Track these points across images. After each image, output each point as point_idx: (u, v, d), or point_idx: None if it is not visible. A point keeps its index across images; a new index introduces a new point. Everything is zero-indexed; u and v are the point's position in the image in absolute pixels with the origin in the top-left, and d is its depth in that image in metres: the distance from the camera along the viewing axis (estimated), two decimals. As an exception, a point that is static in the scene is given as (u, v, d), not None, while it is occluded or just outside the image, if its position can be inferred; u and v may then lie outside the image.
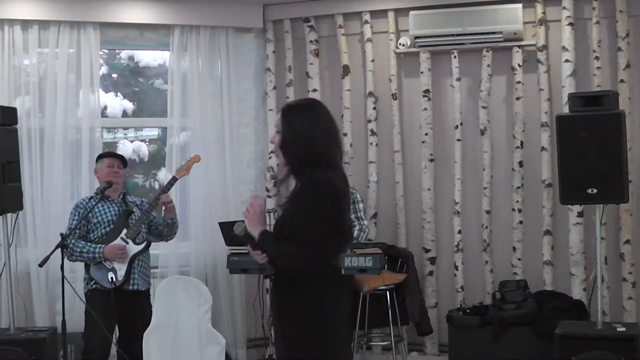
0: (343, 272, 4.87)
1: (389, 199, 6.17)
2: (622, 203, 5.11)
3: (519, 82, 5.81)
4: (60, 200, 5.71)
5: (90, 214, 4.86)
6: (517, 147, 5.83)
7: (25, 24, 5.80)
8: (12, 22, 5.76)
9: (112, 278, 4.75)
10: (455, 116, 5.97)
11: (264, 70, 6.40)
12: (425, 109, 6.03)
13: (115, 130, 6.56)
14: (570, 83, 5.61)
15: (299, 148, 2.95)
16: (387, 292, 5.47)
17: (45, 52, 5.87)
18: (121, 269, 4.79)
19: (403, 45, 6.05)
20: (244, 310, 6.10)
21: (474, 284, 5.94)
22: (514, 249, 5.83)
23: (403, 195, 6.12)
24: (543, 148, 5.75)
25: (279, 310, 3.01)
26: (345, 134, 6.19)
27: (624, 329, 4.77)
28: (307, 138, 2.94)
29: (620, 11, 5.56)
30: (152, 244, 5.08)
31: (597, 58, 5.60)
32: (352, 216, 5.50)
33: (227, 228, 5.67)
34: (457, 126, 5.96)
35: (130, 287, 4.83)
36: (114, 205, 4.95)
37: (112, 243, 4.81)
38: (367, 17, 6.16)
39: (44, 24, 5.83)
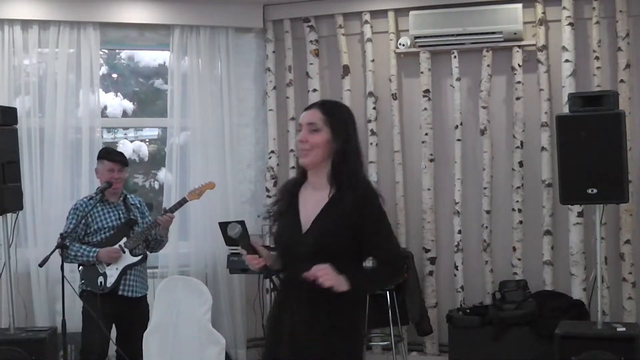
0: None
1: (389, 199, 6.10)
2: (622, 203, 5.11)
3: (519, 82, 5.81)
4: (60, 200, 5.71)
5: (89, 218, 4.79)
6: (517, 147, 5.83)
7: (25, 24, 5.80)
8: (12, 22, 5.76)
9: (101, 282, 4.69)
10: (455, 116, 5.97)
11: (264, 70, 6.40)
12: (425, 109, 6.03)
13: (115, 130, 6.56)
14: (570, 83, 5.61)
15: (347, 150, 2.70)
16: (387, 292, 5.47)
17: (45, 52, 5.88)
18: (112, 276, 4.72)
19: (403, 45, 6.05)
20: (244, 310, 6.10)
21: (474, 284, 5.94)
22: (514, 249, 5.83)
23: (403, 195, 6.12)
24: (543, 148, 5.75)
25: (324, 332, 2.66)
26: (345, 134, 6.19)
27: (624, 329, 4.77)
28: (356, 141, 2.75)
29: (620, 11, 5.56)
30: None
31: (597, 58, 5.60)
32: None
33: (227, 228, 5.66)
34: (457, 126, 5.96)
35: (126, 294, 4.77)
36: (115, 210, 4.88)
37: (109, 247, 4.75)
38: (367, 17, 6.16)
39: (44, 24, 5.83)
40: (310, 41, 6.29)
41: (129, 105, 6.50)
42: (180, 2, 6.08)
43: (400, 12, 6.10)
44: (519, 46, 5.79)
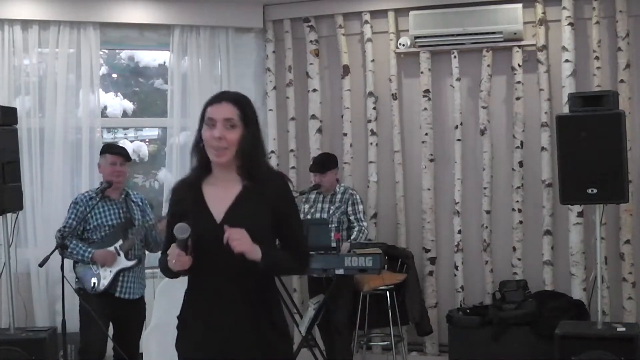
0: (343, 272, 4.93)
1: (389, 199, 6.17)
2: (622, 203, 5.11)
3: (519, 82, 5.81)
4: (60, 200, 5.71)
5: (89, 215, 4.77)
6: (517, 147, 5.83)
7: (25, 24, 5.80)
8: (12, 22, 5.76)
9: (94, 283, 4.66)
10: (455, 116, 5.97)
11: (264, 70, 6.40)
12: (425, 109, 6.03)
13: (115, 130, 6.55)
14: (570, 83, 5.61)
15: (257, 146, 2.65)
16: (387, 292, 5.47)
17: (45, 52, 5.88)
18: (105, 278, 4.67)
19: (403, 45, 6.04)
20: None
21: (474, 284, 5.94)
22: (514, 249, 5.83)
23: (403, 195, 6.12)
24: (543, 148, 5.75)
25: (264, 332, 2.60)
26: (345, 134, 6.20)
27: (624, 329, 4.77)
28: (260, 132, 2.69)
29: (620, 11, 5.56)
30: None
31: (597, 58, 5.60)
32: (352, 217, 5.51)
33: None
34: (457, 126, 5.96)
35: (123, 296, 4.73)
36: (115, 207, 4.81)
37: (104, 249, 4.70)
38: (367, 17, 6.16)
39: (44, 24, 5.83)
40: (310, 41, 6.29)
41: (129, 105, 6.50)
42: (180, 2, 6.08)
43: (400, 12, 6.10)
44: (519, 46, 5.79)
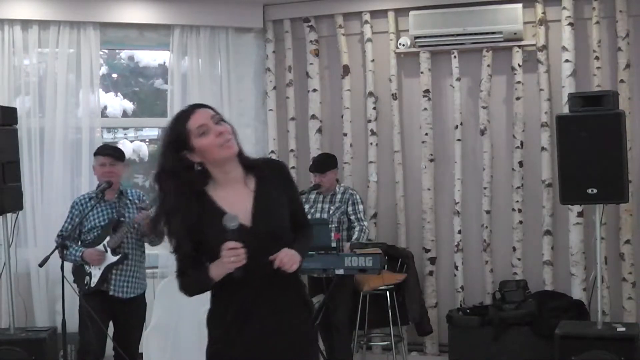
0: (343, 272, 4.93)
1: (389, 199, 6.17)
2: (622, 203, 5.12)
3: (519, 82, 5.81)
4: (60, 200, 5.71)
5: (85, 217, 4.73)
6: (517, 147, 5.83)
7: (25, 24, 5.80)
8: (12, 22, 5.76)
9: (87, 282, 4.67)
10: (455, 116, 5.97)
11: (264, 70, 6.40)
12: (425, 109, 6.03)
13: (115, 130, 6.56)
14: (570, 83, 5.61)
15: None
16: (387, 292, 5.47)
17: (45, 52, 5.88)
18: (95, 275, 4.66)
19: (403, 45, 6.04)
20: (244, 310, 6.08)
21: (474, 284, 5.94)
22: (514, 249, 5.83)
23: (403, 195, 6.12)
24: (543, 148, 5.75)
25: (292, 305, 2.64)
26: (345, 134, 6.20)
27: (624, 329, 4.78)
28: None
29: (620, 11, 5.56)
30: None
31: (597, 58, 5.60)
32: (352, 217, 5.51)
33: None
34: (457, 126, 5.96)
35: (116, 295, 4.71)
36: (108, 208, 4.79)
37: (93, 248, 4.68)
38: (367, 17, 6.16)
39: (44, 24, 5.83)
40: (310, 41, 6.29)
41: (129, 105, 6.50)
42: (180, 2, 6.08)
43: (400, 12, 6.10)
44: (519, 46, 5.79)
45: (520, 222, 5.83)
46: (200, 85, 6.15)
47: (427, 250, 6.03)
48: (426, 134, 6.03)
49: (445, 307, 5.84)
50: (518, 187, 5.83)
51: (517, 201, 5.83)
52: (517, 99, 5.82)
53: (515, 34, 5.75)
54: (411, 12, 5.96)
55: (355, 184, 6.01)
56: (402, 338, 5.76)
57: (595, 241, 4.97)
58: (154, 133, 6.70)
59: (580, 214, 5.60)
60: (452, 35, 5.88)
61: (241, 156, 2.64)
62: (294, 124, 6.35)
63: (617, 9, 5.57)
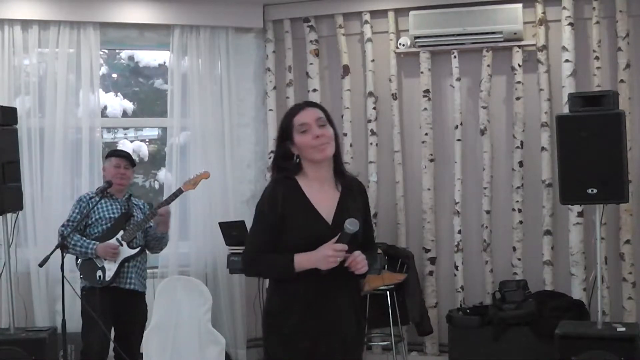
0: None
1: (389, 199, 6.17)
2: (622, 203, 5.12)
3: (519, 82, 5.81)
4: (60, 200, 5.71)
5: (91, 211, 4.82)
6: (517, 147, 5.83)
7: (25, 24, 5.80)
8: (12, 22, 5.76)
9: (100, 276, 4.71)
10: (455, 116, 5.97)
11: (264, 70, 6.40)
12: (425, 109, 6.03)
13: (115, 130, 6.56)
14: (570, 83, 5.61)
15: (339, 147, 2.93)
16: (387, 292, 5.47)
17: (45, 52, 5.88)
18: (110, 269, 4.73)
19: (403, 45, 6.05)
20: (244, 310, 6.10)
21: (474, 284, 5.94)
22: (514, 249, 5.83)
23: (403, 195, 6.12)
24: (543, 148, 5.75)
25: (358, 307, 2.94)
26: (345, 134, 6.20)
27: (624, 329, 4.77)
28: None
29: (620, 11, 5.57)
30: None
31: (597, 58, 5.60)
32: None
33: (227, 228, 5.67)
34: (457, 126, 5.96)
35: (127, 287, 4.79)
36: (118, 204, 4.92)
37: (107, 242, 4.76)
38: (367, 17, 6.16)
39: (44, 24, 5.83)
40: (310, 41, 6.29)
41: (129, 105, 6.50)
42: (180, 2, 6.08)
43: (400, 12, 6.10)
44: (519, 46, 5.79)
45: (520, 222, 5.83)
46: (200, 85, 6.15)
47: (427, 250, 6.03)
48: (426, 134, 6.03)
49: (445, 307, 5.84)
50: (518, 187, 5.84)
51: (517, 201, 5.83)
52: (517, 99, 5.82)
53: (515, 34, 5.75)
54: (411, 12, 5.96)
55: (355, 184, 6.00)
56: (402, 338, 5.76)
57: (595, 241, 4.97)
58: (154, 133, 6.70)
59: (580, 214, 5.60)
60: (452, 35, 5.88)
61: (337, 161, 2.89)
62: (294, 124, 6.34)
63: (617, 9, 5.57)
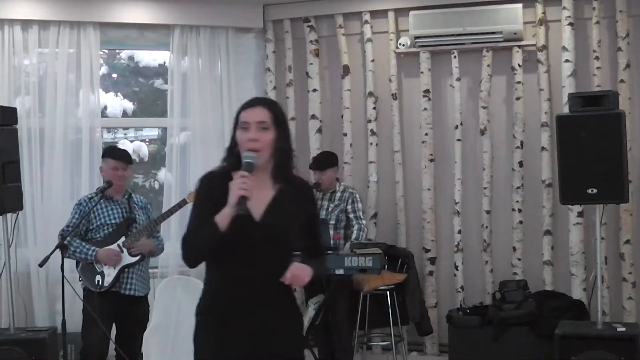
0: (343, 272, 4.93)
1: (389, 199, 6.17)
2: (622, 203, 5.11)
3: (519, 82, 5.81)
4: (60, 200, 5.71)
5: (92, 215, 4.78)
6: (517, 147, 5.83)
7: (25, 24, 5.80)
8: (12, 22, 5.76)
9: (98, 281, 4.68)
10: (455, 116, 5.97)
11: (264, 70, 6.40)
12: (425, 109, 6.03)
13: (115, 130, 6.55)
14: (570, 83, 5.61)
15: (289, 148, 2.78)
16: (387, 292, 5.47)
17: (45, 52, 5.88)
18: (110, 275, 4.70)
19: (403, 45, 6.05)
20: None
21: (474, 284, 5.94)
22: (514, 249, 5.83)
23: (403, 195, 6.12)
24: (543, 148, 5.75)
25: (289, 314, 2.78)
26: (345, 134, 6.20)
27: (624, 329, 4.77)
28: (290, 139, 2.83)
29: (620, 11, 5.57)
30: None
31: (597, 58, 5.60)
32: (351, 215, 5.52)
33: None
34: (457, 126, 5.96)
35: (127, 292, 4.76)
36: (118, 207, 4.85)
37: (108, 247, 4.73)
38: (367, 17, 6.16)
39: (44, 24, 5.83)
40: (310, 41, 6.29)
41: (129, 105, 6.50)
42: (180, 2, 6.08)
43: (400, 12, 6.10)
44: (519, 46, 5.79)
45: (520, 222, 5.83)
46: (200, 85, 6.15)
47: (427, 250, 6.03)
48: (426, 134, 6.03)
49: (445, 307, 5.84)
50: (518, 187, 5.83)
51: (517, 201, 5.83)
52: (517, 99, 5.82)
53: (515, 34, 5.75)
54: (411, 12, 5.96)
55: (355, 184, 6.01)
56: (402, 338, 5.76)
57: (595, 241, 4.97)
58: (154, 133, 6.70)
59: (580, 214, 5.60)
60: (452, 35, 5.89)
61: (279, 167, 2.73)
62: (294, 124, 6.33)
63: (617, 9, 5.57)
